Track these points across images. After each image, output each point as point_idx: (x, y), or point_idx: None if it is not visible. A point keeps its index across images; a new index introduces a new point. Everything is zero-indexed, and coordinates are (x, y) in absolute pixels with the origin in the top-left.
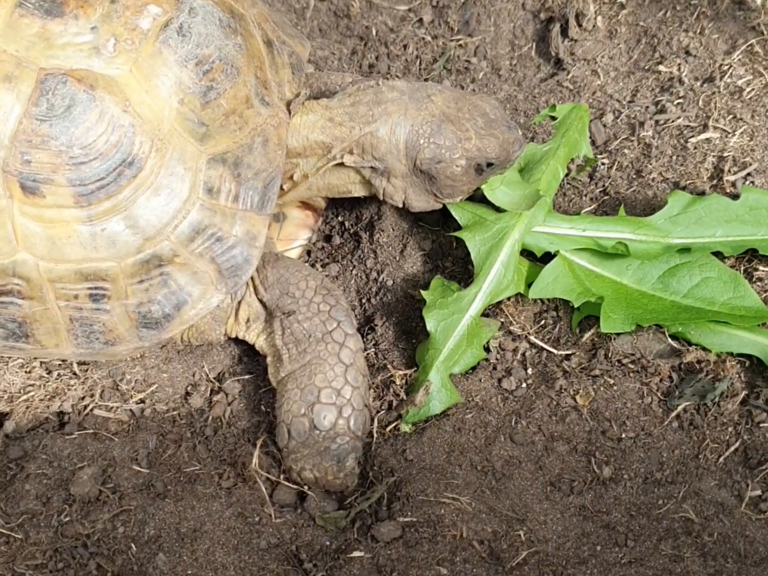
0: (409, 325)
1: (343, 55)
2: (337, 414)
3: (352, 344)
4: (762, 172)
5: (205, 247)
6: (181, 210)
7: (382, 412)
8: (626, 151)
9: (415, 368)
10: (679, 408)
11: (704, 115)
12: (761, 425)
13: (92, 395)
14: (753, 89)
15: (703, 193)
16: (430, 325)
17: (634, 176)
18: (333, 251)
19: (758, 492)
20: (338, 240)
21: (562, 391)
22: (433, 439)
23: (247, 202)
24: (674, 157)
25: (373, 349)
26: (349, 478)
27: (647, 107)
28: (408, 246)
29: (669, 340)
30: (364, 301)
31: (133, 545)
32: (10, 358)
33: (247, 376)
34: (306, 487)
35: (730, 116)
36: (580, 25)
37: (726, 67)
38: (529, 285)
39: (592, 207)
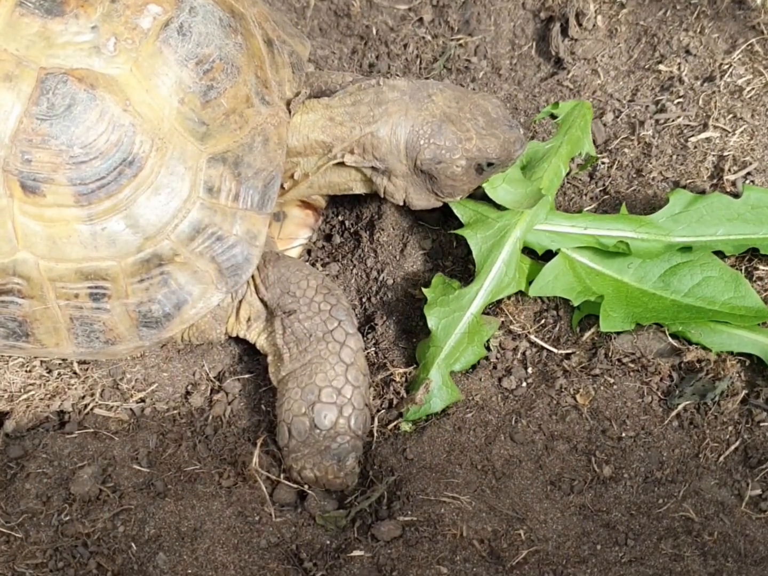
0: (410, 324)
1: (343, 55)
2: (337, 413)
3: (352, 343)
4: (762, 172)
5: (205, 246)
6: (182, 209)
7: (382, 411)
8: (626, 150)
9: (415, 366)
10: (680, 407)
11: (704, 114)
12: (761, 424)
13: (92, 394)
14: (753, 88)
15: (703, 192)
16: (431, 323)
17: (635, 175)
18: (333, 250)
19: (758, 491)
20: (338, 239)
21: (563, 390)
22: (433, 438)
23: (248, 201)
24: (674, 157)
25: (374, 348)
26: (350, 477)
27: (647, 106)
28: (408, 245)
29: (669, 339)
30: (364, 300)
31: (133, 544)
32: (10, 357)
33: (247, 375)
34: (306, 487)
35: (730, 115)
36: (580, 25)
37: (726, 67)
38: (530, 283)
39: (592, 206)
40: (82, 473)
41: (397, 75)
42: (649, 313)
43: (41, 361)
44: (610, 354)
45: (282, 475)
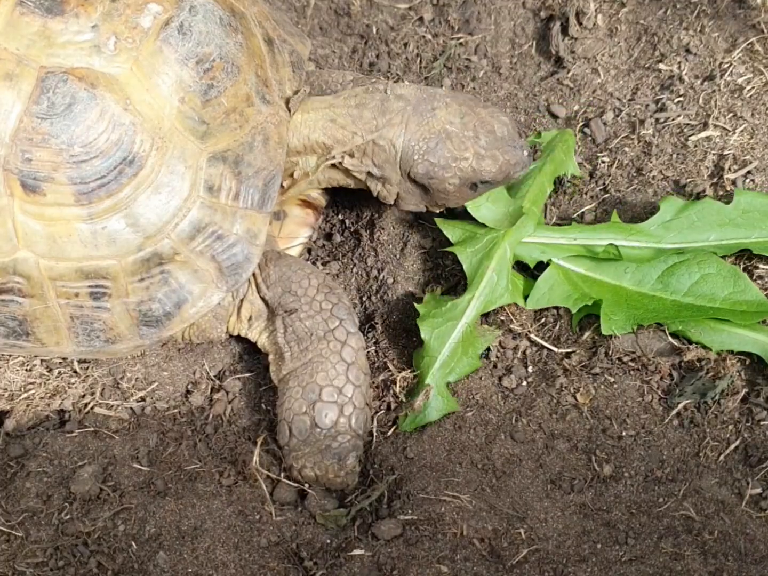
0: (410, 323)
1: (343, 54)
2: (338, 412)
3: (353, 343)
4: (762, 171)
5: (205, 246)
6: (182, 208)
7: (382, 411)
8: (626, 149)
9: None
10: (680, 406)
11: (704, 113)
12: (761, 423)
13: (93, 393)
14: (753, 87)
15: (703, 191)
16: (424, 334)
17: (635, 174)
18: (333, 249)
19: (758, 490)
20: (339, 238)
21: (563, 389)
22: (433, 437)
23: (248, 200)
24: (674, 156)
25: (374, 348)
26: (350, 476)
27: (647, 105)
28: (408, 244)
29: (669, 338)
30: (364, 299)
31: (133, 543)
32: (10, 356)
33: (247, 374)
34: (306, 485)
35: (731, 114)
36: (580, 24)
37: (726, 66)
38: (526, 298)
39: (592, 205)
40: (82, 472)
41: (398, 74)
42: (651, 314)
43: (41, 360)
44: (610, 353)
45: (282, 474)
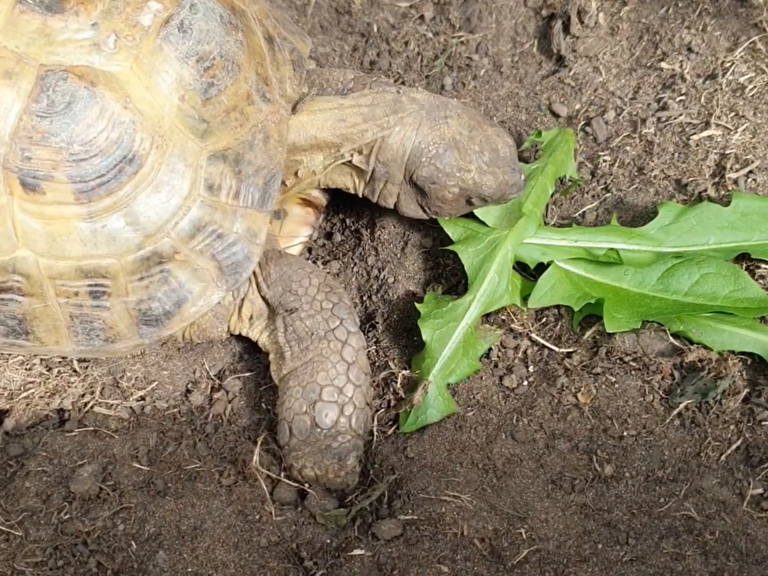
0: (411, 322)
1: (344, 52)
2: (338, 412)
3: (354, 342)
4: (764, 170)
5: (205, 244)
6: (182, 207)
7: (382, 410)
8: (628, 148)
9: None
10: (681, 406)
11: (706, 112)
12: (763, 423)
13: (92, 392)
14: (755, 86)
15: (705, 191)
16: (425, 335)
17: (636, 173)
18: (334, 248)
19: (760, 490)
20: (339, 237)
21: (564, 388)
22: (434, 436)
23: (248, 199)
24: (676, 155)
25: (374, 347)
26: (350, 476)
27: (649, 104)
28: (409, 243)
29: (671, 338)
30: (365, 298)
31: (133, 543)
32: (10, 355)
33: (247, 374)
34: (307, 485)
35: (733, 113)
36: (581, 22)
37: (728, 65)
38: (525, 299)
39: (593, 204)
40: (82, 471)
41: (398, 73)
42: (654, 312)
43: (41, 359)
44: (611, 353)
45: (282, 474)
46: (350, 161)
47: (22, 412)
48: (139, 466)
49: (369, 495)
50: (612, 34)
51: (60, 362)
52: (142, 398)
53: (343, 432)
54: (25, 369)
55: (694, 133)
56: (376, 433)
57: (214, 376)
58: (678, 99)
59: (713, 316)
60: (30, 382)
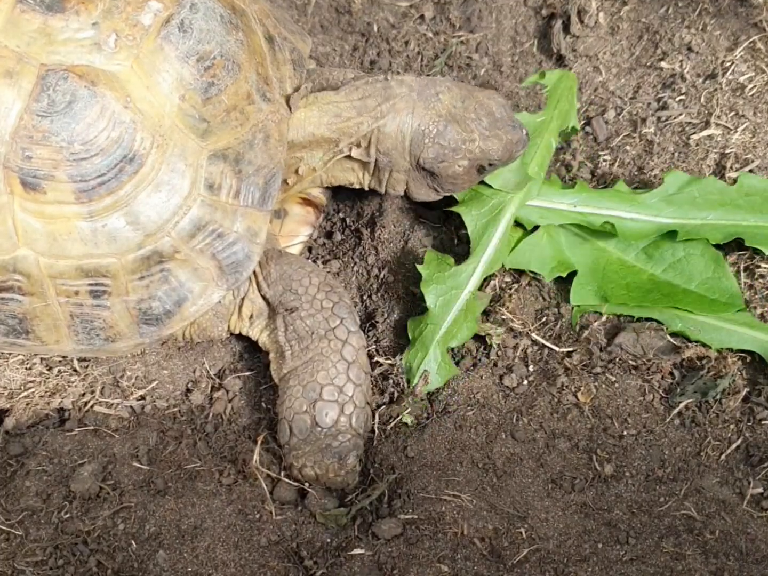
0: None
1: (344, 52)
2: (339, 411)
3: (354, 341)
4: (764, 169)
5: (205, 244)
6: (182, 206)
7: (382, 407)
8: (628, 147)
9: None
10: (681, 405)
11: (706, 111)
12: (763, 422)
13: (93, 392)
14: (755, 86)
15: None
16: (429, 300)
17: (636, 173)
18: (334, 248)
19: (760, 489)
20: (339, 236)
21: (564, 388)
22: (434, 436)
23: (248, 198)
24: (676, 154)
25: (374, 346)
26: (351, 475)
27: (649, 104)
28: (409, 242)
29: (668, 337)
30: (365, 297)
31: (133, 542)
32: (10, 354)
33: (247, 373)
34: (307, 485)
35: (732, 113)
36: (581, 22)
37: (728, 64)
38: None
39: None
40: (82, 471)
41: (398, 72)
42: (621, 291)
43: (41, 359)
44: (611, 352)
45: (282, 473)
46: (350, 155)
47: (23, 412)
48: (139, 465)
49: (369, 494)
50: (612, 34)
51: (60, 361)
52: (143, 397)
53: (343, 431)
54: (26, 368)
55: (694, 133)
56: (376, 432)
57: (215, 375)
58: (678, 98)
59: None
60: (30, 382)
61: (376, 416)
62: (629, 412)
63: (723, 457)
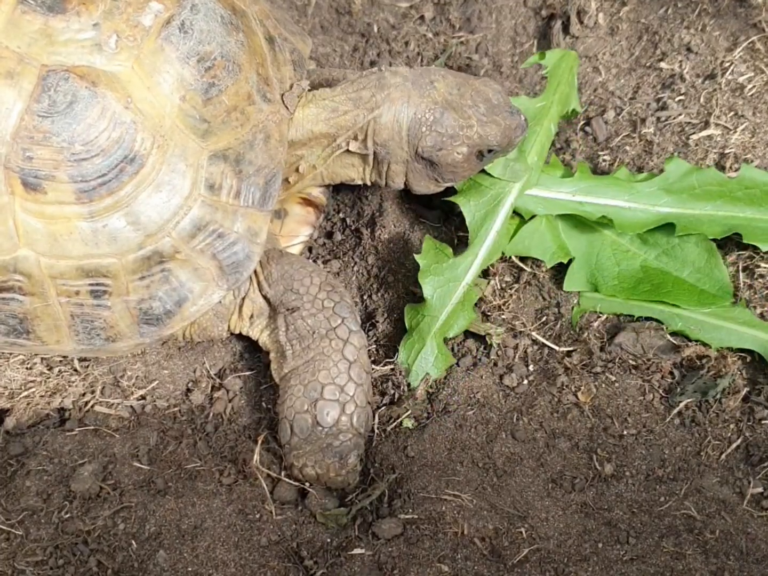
0: None
1: (344, 52)
2: (340, 411)
3: (356, 341)
4: (764, 169)
5: (206, 244)
6: (183, 206)
7: (382, 408)
8: (628, 147)
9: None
10: (681, 405)
11: (706, 111)
12: (763, 422)
13: (93, 392)
14: (754, 86)
15: None
16: (426, 292)
17: (636, 173)
18: (334, 248)
19: (760, 489)
20: (340, 236)
21: (564, 387)
22: (434, 435)
23: (249, 198)
24: (676, 154)
25: (375, 346)
26: (351, 475)
27: (649, 104)
28: (409, 242)
29: (668, 336)
30: (365, 297)
31: (133, 542)
32: (11, 354)
33: (248, 373)
34: (307, 484)
35: (732, 113)
36: (581, 22)
37: (727, 64)
38: None
39: None
40: (82, 470)
41: None
42: (612, 281)
43: (42, 359)
44: (611, 351)
45: (283, 473)
46: (349, 150)
47: (23, 411)
48: (139, 465)
49: (369, 494)
50: (611, 34)
51: (61, 361)
52: (143, 397)
53: (344, 430)
54: (26, 368)
55: (694, 133)
56: (376, 432)
57: (215, 375)
58: (677, 99)
59: (711, 311)
60: (31, 381)
61: (376, 417)
62: (629, 412)
63: (723, 456)
